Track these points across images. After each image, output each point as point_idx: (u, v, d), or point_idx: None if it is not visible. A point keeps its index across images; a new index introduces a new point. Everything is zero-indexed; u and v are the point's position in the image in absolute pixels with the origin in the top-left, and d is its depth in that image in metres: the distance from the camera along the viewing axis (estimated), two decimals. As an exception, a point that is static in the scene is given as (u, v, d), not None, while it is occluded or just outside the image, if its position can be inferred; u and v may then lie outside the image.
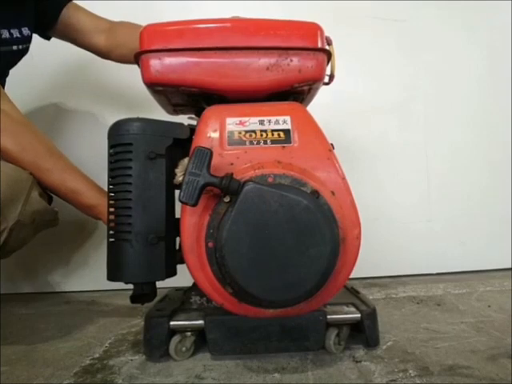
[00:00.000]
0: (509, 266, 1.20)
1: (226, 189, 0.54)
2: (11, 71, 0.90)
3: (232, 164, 0.60)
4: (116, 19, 1.00)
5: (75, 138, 1.17)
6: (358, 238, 0.59)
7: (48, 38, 1.00)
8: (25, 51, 0.91)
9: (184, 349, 0.65)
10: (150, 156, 0.63)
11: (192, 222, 0.58)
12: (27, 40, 0.90)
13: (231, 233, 0.53)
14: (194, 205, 0.53)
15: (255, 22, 0.65)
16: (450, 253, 1.21)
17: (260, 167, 0.59)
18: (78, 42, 0.99)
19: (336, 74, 0.71)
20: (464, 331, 0.73)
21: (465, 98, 1.25)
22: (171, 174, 0.61)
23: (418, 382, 0.55)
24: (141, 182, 0.63)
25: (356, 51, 1.19)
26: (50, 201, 0.81)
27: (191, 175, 0.53)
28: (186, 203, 0.53)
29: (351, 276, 0.60)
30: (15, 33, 0.86)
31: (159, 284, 0.67)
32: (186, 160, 0.57)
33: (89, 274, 1.18)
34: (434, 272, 1.21)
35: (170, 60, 0.63)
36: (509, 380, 0.54)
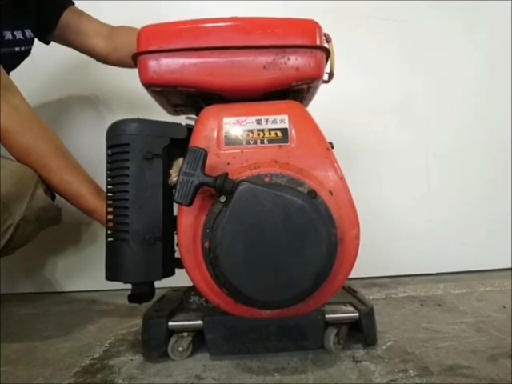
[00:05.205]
0: (509, 266, 1.19)
1: (221, 188, 0.54)
2: (12, 72, 0.91)
3: (229, 164, 0.59)
4: (118, 20, 1.01)
5: (77, 137, 1.16)
6: (357, 238, 0.59)
7: (47, 43, 1.00)
8: (27, 53, 0.91)
9: (180, 349, 0.65)
10: (146, 156, 0.63)
11: (189, 221, 0.58)
12: (29, 42, 0.90)
13: (225, 233, 0.52)
14: (189, 205, 0.53)
15: (252, 20, 0.65)
16: (450, 253, 1.21)
17: (257, 167, 0.58)
18: (76, 45, 0.99)
19: (336, 72, 0.71)
20: (464, 331, 0.73)
21: (465, 97, 1.25)
22: (168, 174, 0.61)
23: (418, 381, 0.55)
24: (138, 183, 0.63)
25: (356, 51, 1.19)
26: (53, 198, 0.82)
27: (185, 175, 0.53)
28: (180, 203, 0.53)
29: (351, 276, 0.60)
30: (18, 34, 0.86)
31: (157, 284, 0.67)
32: (180, 160, 0.57)
33: (89, 274, 1.18)
34: (434, 272, 1.20)
35: (167, 61, 0.63)
36: (509, 380, 0.54)
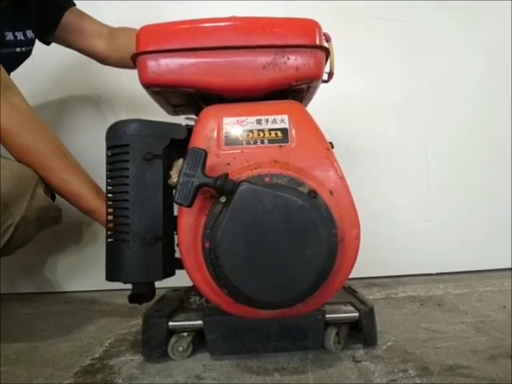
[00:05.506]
0: (509, 266, 1.19)
1: (221, 189, 0.54)
2: (13, 72, 0.91)
3: (229, 164, 0.59)
4: (117, 20, 1.01)
5: (77, 137, 1.16)
6: (358, 238, 0.59)
7: (48, 43, 1.00)
8: (28, 54, 0.91)
9: (180, 349, 0.65)
10: (146, 157, 0.63)
11: (189, 222, 0.58)
12: (31, 43, 0.90)
13: (226, 233, 0.52)
14: (189, 206, 0.53)
15: (251, 20, 0.65)
16: (450, 253, 1.21)
17: (257, 167, 0.58)
18: (77, 46, 0.99)
19: (336, 71, 0.71)
20: (464, 331, 0.73)
21: (465, 97, 1.25)
22: (168, 175, 0.61)
23: (418, 381, 0.55)
24: (138, 183, 0.63)
25: (356, 51, 1.19)
26: (53, 198, 0.82)
27: (185, 176, 0.53)
28: (181, 204, 0.53)
29: (351, 276, 0.60)
30: (19, 35, 0.86)
31: (157, 284, 0.67)
32: (180, 161, 0.57)
33: (89, 274, 1.18)
34: (434, 272, 1.21)
35: (167, 61, 0.63)
36: (509, 380, 0.54)
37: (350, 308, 0.68)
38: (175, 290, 0.85)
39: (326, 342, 0.65)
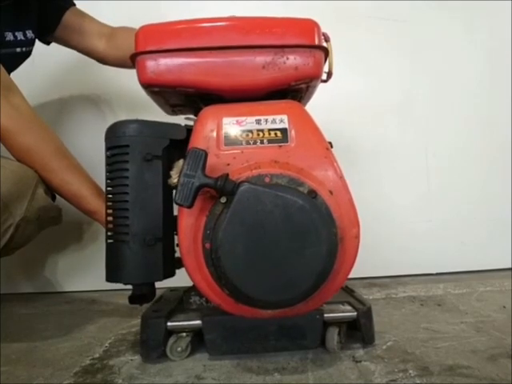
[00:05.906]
0: (509, 266, 1.19)
1: (222, 189, 0.54)
2: (12, 72, 0.91)
3: (229, 164, 0.59)
4: (117, 20, 1.01)
5: (77, 137, 1.16)
6: (357, 237, 0.59)
7: (48, 43, 1.00)
8: (28, 54, 0.91)
9: (179, 349, 0.65)
10: (146, 157, 0.63)
11: (189, 223, 0.58)
12: (31, 43, 0.90)
13: (226, 233, 0.52)
14: (190, 206, 0.53)
15: (250, 20, 0.65)
16: (450, 253, 1.21)
17: (257, 167, 0.58)
18: (77, 46, 0.99)
19: (336, 71, 0.71)
20: (464, 331, 0.73)
21: (465, 97, 1.25)
22: (168, 175, 0.61)
23: (418, 381, 0.55)
24: (137, 184, 0.63)
25: (356, 51, 1.19)
26: (53, 198, 0.82)
27: (186, 177, 0.53)
28: (181, 205, 0.53)
29: (351, 276, 0.60)
30: (19, 35, 0.86)
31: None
32: (180, 162, 0.57)
33: (89, 274, 1.18)
34: (434, 272, 1.21)
35: (166, 61, 0.63)
36: (509, 380, 0.54)
37: (348, 307, 0.68)
38: (172, 290, 0.85)
39: (329, 343, 0.65)
